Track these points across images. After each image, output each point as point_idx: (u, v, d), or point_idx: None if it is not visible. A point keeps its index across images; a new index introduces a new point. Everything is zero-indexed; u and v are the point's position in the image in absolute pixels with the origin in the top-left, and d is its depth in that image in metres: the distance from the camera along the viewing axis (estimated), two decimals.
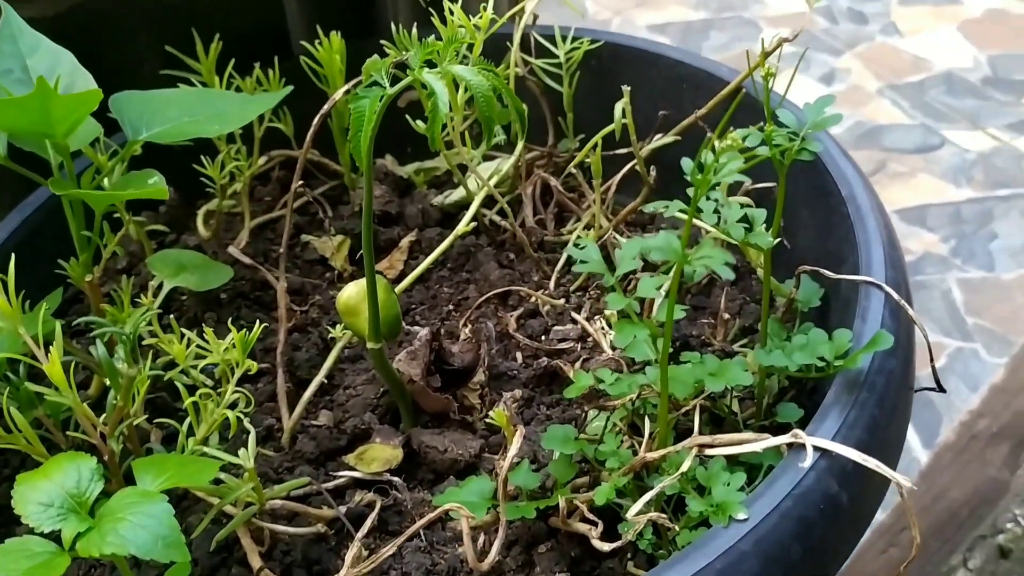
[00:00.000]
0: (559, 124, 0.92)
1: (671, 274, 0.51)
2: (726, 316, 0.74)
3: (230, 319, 0.81)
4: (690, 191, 0.50)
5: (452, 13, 0.74)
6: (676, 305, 0.52)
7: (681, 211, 0.54)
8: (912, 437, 1.17)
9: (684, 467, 0.52)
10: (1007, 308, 1.31)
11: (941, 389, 0.62)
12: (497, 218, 0.89)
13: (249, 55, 0.87)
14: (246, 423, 0.61)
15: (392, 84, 0.54)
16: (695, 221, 0.66)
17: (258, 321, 0.81)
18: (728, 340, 0.75)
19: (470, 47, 0.74)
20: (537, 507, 0.60)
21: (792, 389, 0.70)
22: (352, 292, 0.66)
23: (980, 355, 1.25)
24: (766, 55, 0.78)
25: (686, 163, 0.48)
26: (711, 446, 0.55)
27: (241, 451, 0.58)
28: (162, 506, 0.50)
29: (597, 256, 0.55)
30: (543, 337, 0.79)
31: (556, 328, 0.79)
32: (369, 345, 0.65)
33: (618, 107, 0.78)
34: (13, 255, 0.79)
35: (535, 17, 0.88)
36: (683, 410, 0.60)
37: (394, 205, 0.90)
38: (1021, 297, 1.32)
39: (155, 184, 0.63)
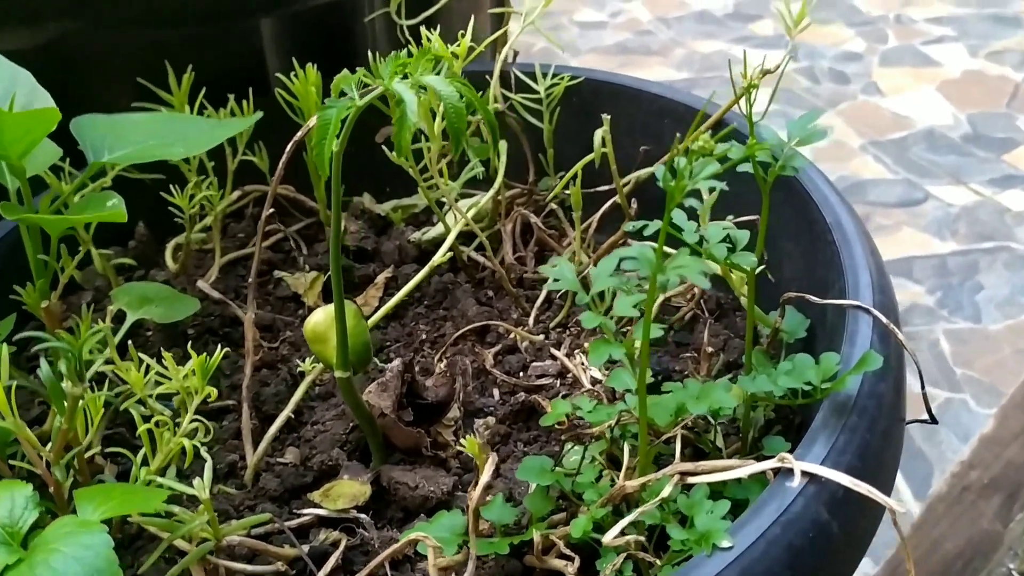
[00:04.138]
0: (540, 161, 0.90)
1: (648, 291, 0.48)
2: (709, 350, 0.72)
3: (196, 352, 0.78)
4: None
5: (430, 40, 0.73)
6: (654, 324, 0.49)
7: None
8: (904, 488, 1.13)
9: (664, 493, 0.49)
10: (994, 359, 1.29)
11: (933, 420, 0.59)
12: (476, 255, 0.86)
13: (227, 90, 0.86)
14: (203, 452, 0.57)
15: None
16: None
17: (224, 352, 0.78)
18: (712, 375, 0.72)
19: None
20: (511, 543, 0.56)
21: (779, 423, 0.67)
22: (320, 318, 0.63)
23: (969, 406, 1.22)
24: (749, 86, 0.77)
25: (659, 170, 0.46)
26: (693, 473, 0.52)
27: (196, 481, 0.55)
28: (100, 537, 0.47)
29: (571, 275, 0.52)
30: (521, 373, 0.76)
31: (535, 364, 0.76)
32: (337, 374, 0.63)
33: (598, 135, 0.76)
34: None
35: (515, 53, 0.87)
36: (664, 438, 0.57)
37: (370, 241, 0.88)
38: (1008, 348, 1.30)
39: (113, 207, 0.60)
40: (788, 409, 0.67)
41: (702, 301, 0.80)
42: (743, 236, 0.58)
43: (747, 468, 0.51)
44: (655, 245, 0.48)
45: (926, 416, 0.60)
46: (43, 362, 0.50)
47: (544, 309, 0.83)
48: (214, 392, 0.59)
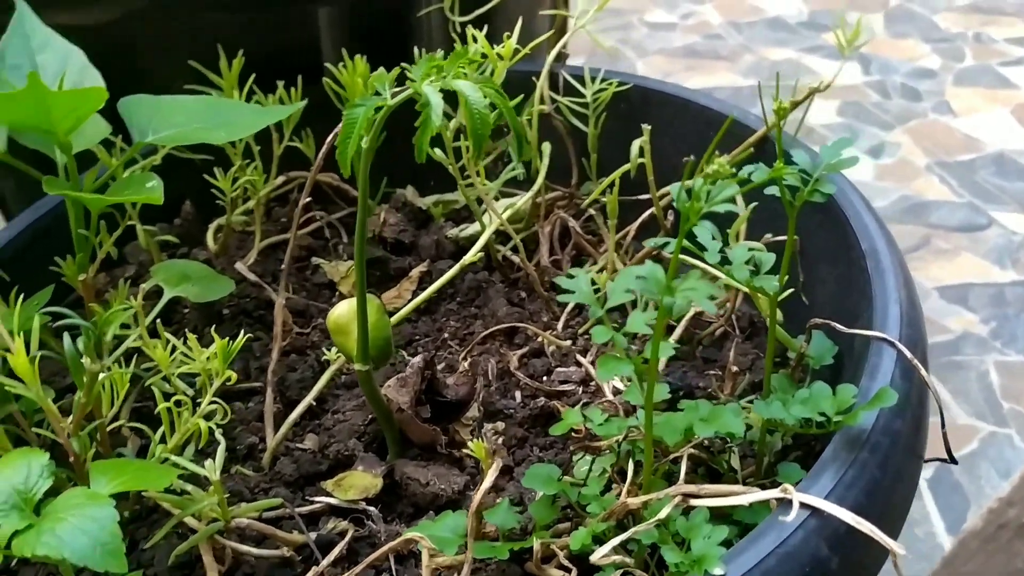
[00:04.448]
0: (583, 165, 0.90)
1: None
2: (734, 369, 0.71)
3: (229, 335, 0.80)
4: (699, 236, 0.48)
5: (476, 40, 0.73)
6: (667, 343, 0.49)
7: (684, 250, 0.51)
8: (937, 521, 1.11)
9: (662, 514, 0.49)
10: None
11: (952, 460, 0.58)
12: (511, 255, 0.87)
13: (280, 76, 0.87)
14: (217, 434, 0.58)
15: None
16: (706, 267, 0.63)
17: (251, 336, 0.80)
18: (735, 395, 0.72)
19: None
20: (512, 548, 0.56)
21: (798, 449, 0.66)
22: (343, 311, 0.64)
23: (1014, 441, 1.19)
24: (794, 104, 0.76)
25: (674, 189, 0.45)
26: (696, 496, 0.52)
27: (207, 463, 0.56)
28: (107, 511, 0.48)
29: (587, 288, 0.52)
30: (544, 378, 0.76)
31: (559, 369, 0.76)
32: (356, 367, 0.63)
33: (635, 145, 0.76)
34: (21, 253, 0.79)
35: (564, 56, 0.87)
36: (671, 456, 0.57)
37: (408, 234, 0.88)
38: None
39: (151, 189, 0.62)
40: (809, 435, 0.66)
41: (734, 318, 0.79)
42: (767, 259, 0.57)
43: (748, 496, 0.50)
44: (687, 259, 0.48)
45: (947, 456, 0.59)
46: (66, 337, 0.52)
47: (575, 314, 0.83)
48: (234, 375, 0.60)
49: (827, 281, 0.73)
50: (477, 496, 0.53)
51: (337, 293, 0.86)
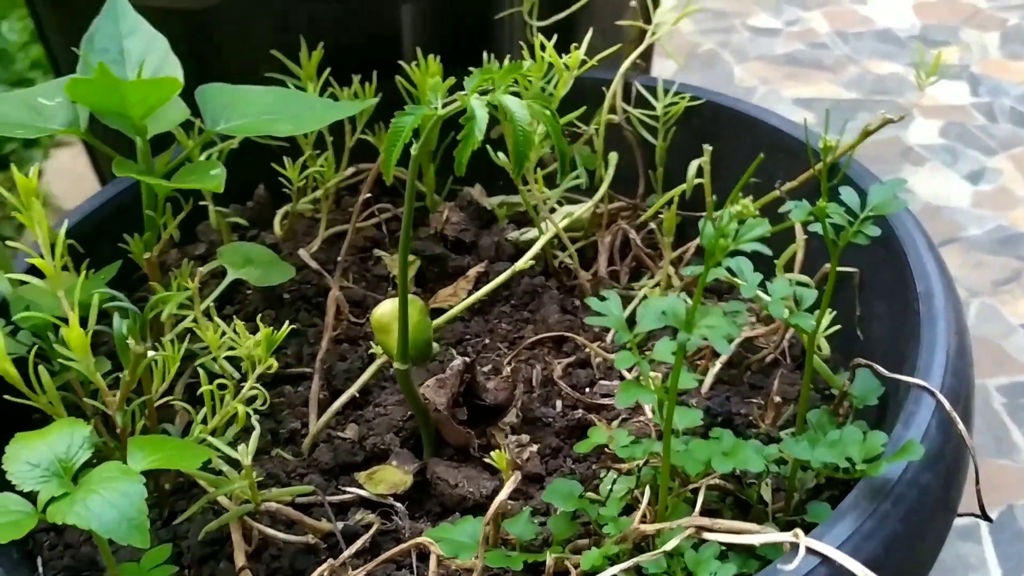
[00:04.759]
0: (650, 177, 0.89)
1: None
2: (777, 399, 0.70)
3: (287, 320, 0.82)
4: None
5: (544, 49, 0.74)
6: (688, 374, 0.49)
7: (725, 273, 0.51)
8: (994, 568, 1.07)
9: (669, 546, 0.49)
10: None
11: (986, 518, 0.56)
12: (570, 262, 0.87)
13: (359, 69, 0.89)
14: (254, 421, 0.61)
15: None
16: (759, 294, 0.62)
17: (304, 323, 0.82)
18: (776, 425, 0.71)
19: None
20: (525, 560, 0.57)
21: (833, 488, 0.64)
22: (385, 310, 0.65)
23: None
24: (867, 133, 0.74)
25: (703, 224, 0.45)
26: (709, 530, 0.52)
27: (240, 447, 0.58)
28: (136, 487, 0.50)
29: (617, 312, 0.52)
30: (587, 389, 0.76)
31: (602, 382, 0.76)
32: (396, 365, 0.65)
33: (693, 165, 0.75)
34: (99, 227, 0.83)
35: (638, 65, 0.87)
36: (694, 486, 0.57)
37: (469, 234, 0.89)
38: None
39: (214, 177, 0.64)
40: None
41: (787, 346, 0.77)
42: (808, 296, 0.56)
43: (760, 536, 0.49)
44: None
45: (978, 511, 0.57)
46: (116, 318, 0.55)
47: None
48: (275, 364, 0.62)
49: (883, 318, 0.71)
50: (493, 506, 0.53)
51: (395, 286, 0.87)
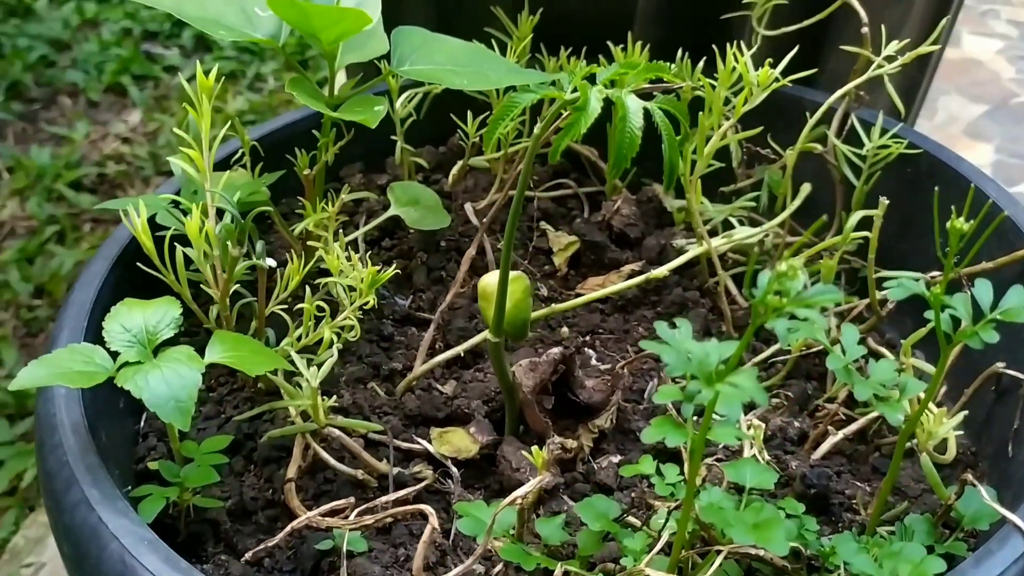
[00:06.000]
0: (841, 218, 0.83)
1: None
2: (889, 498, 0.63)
3: (437, 266, 0.84)
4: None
5: (736, 61, 0.70)
6: (735, 430, 0.45)
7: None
8: None
9: None
10: None
11: None
12: (731, 285, 0.83)
13: (589, 44, 0.89)
14: (335, 348, 0.63)
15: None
16: (847, 368, 0.56)
17: (451, 275, 0.83)
18: (878, 520, 0.64)
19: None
20: (538, 562, 0.56)
21: None
22: (492, 279, 0.65)
23: None
24: (959, 233, 0.64)
25: (761, 279, 0.41)
26: None
27: (312, 369, 0.60)
28: (193, 374, 0.54)
29: (684, 347, 0.48)
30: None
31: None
32: (488, 336, 0.65)
33: (853, 218, 0.69)
34: (285, 140, 0.87)
35: (859, 95, 0.80)
36: (715, 548, 0.53)
37: (636, 229, 0.87)
38: None
39: (376, 112, 0.66)
40: None
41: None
42: (914, 386, 0.50)
43: None
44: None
45: None
46: (220, 225, 0.59)
47: (765, 367, 0.77)
48: (373, 299, 0.64)
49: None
50: (507, 499, 0.53)
51: (552, 263, 0.87)
